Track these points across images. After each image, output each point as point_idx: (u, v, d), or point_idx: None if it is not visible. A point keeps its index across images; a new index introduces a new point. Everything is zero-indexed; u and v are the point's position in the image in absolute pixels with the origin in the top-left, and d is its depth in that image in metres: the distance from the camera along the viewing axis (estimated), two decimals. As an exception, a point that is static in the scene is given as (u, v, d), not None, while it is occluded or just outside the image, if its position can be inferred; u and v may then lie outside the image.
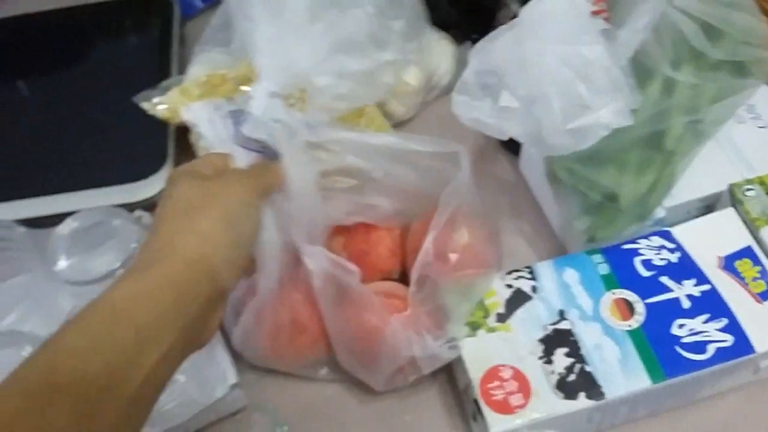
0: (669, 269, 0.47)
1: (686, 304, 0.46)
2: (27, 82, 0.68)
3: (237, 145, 0.47)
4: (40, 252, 0.50)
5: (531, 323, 0.46)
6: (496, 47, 0.43)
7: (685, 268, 0.47)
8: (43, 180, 0.58)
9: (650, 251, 0.48)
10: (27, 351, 0.47)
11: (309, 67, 0.49)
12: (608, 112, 0.41)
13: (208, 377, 0.48)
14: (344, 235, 0.51)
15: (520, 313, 0.46)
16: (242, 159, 0.47)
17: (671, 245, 0.48)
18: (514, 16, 0.47)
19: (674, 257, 0.48)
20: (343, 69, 0.51)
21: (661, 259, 0.48)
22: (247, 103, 0.48)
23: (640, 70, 0.49)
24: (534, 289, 0.47)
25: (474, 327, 0.46)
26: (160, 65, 0.66)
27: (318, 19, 0.49)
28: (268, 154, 0.47)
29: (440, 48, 0.64)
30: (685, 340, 0.44)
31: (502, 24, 0.66)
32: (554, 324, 0.46)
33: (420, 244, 0.48)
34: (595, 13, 0.53)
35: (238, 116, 0.48)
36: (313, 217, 0.48)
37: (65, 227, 0.51)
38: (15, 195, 0.57)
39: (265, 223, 0.45)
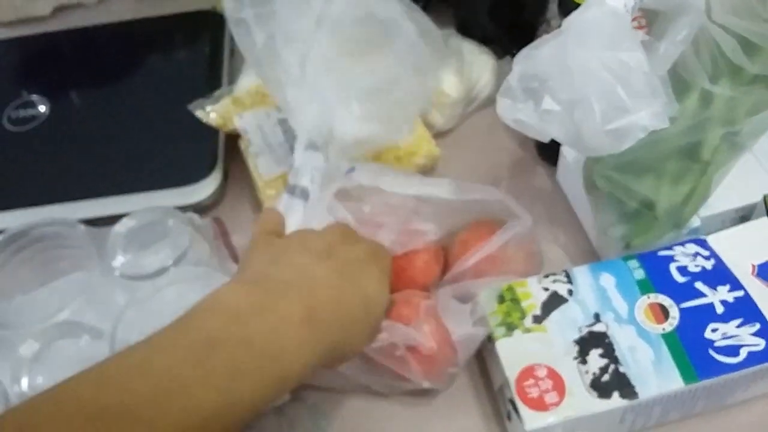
0: (703, 275, 0.48)
1: (720, 309, 0.46)
2: (88, 92, 0.71)
3: (285, 192, 0.51)
4: (99, 249, 0.53)
5: (566, 325, 0.47)
6: (540, 54, 0.45)
7: (720, 274, 0.48)
8: (103, 183, 0.61)
9: (685, 258, 0.49)
10: (85, 341, 0.50)
11: (337, 115, 0.51)
12: (646, 114, 0.42)
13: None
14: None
15: (555, 315, 0.48)
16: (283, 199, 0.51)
17: (706, 253, 0.49)
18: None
19: (709, 264, 0.49)
20: (370, 114, 0.52)
21: (696, 265, 0.49)
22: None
23: (679, 82, 0.51)
24: (570, 292, 0.49)
25: (510, 327, 0.48)
26: (211, 76, 0.69)
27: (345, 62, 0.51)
28: (304, 199, 0.51)
29: (481, 61, 0.66)
30: (718, 344, 0.45)
31: (541, 39, 0.68)
32: (589, 326, 0.47)
33: (466, 251, 0.50)
34: (635, 28, 0.54)
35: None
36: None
37: (122, 226, 0.54)
38: (77, 196, 0.60)
39: None
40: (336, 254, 0.43)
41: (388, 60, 0.51)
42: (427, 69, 0.53)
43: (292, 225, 0.49)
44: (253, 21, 0.50)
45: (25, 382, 0.48)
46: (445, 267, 0.54)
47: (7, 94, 0.70)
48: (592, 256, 0.56)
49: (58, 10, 0.83)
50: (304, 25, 0.49)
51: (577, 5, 0.53)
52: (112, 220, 0.55)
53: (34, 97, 0.69)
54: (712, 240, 0.50)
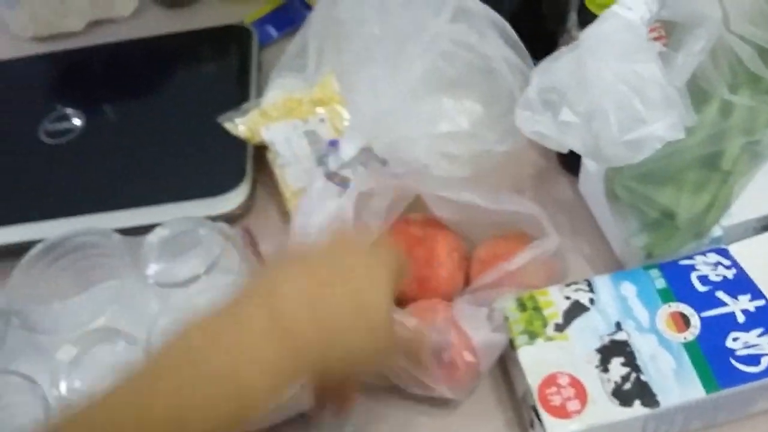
0: (725, 285, 0.49)
1: (741, 318, 0.47)
2: (121, 105, 0.73)
3: (323, 176, 0.51)
4: (133, 258, 0.55)
5: (588, 333, 0.48)
6: (558, 66, 0.46)
7: (741, 283, 0.49)
8: (136, 193, 0.63)
9: (706, 267, 0.50)
10: (120, 346, 0.51)
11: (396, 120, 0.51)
12: (662, 125, 0.43)
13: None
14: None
15: (577, 323, 0.49)
16: (320, 181, 0.51)
17: (727, 262, 0.50)
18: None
19: (730, 273, 0.49)
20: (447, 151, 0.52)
21: (717, 275, 0.49)
22: (337, 145, 0.51)
23: (698, 92, 0.51)
24: (591, 301, 0.49)
25: (532, 336, 0.48)
26: (239, 89, 0.71)
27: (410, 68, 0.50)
28: (344, 188, 0.51)
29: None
30: (739, 353, 0.45)
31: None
32: (611, 335, 0.48)
33: (484, 270, 0.51)
34: (654, 39, 0.55)
35: (328, 152, 0.52)
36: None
37: (155, 236, 0.55)
38: (111, 206, 0.62)
39: None
40: (321, 261, 0.40)
41: (478, 105, 0.51)
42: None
43: (324, 208, 0.50)
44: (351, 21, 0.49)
45: (63, 386, 0.49)
46: (468, 278, 0.55)
47: (44, 108, 0.72)
48: (614, 265, 0.57)
49: (91, 25, 0.86)
50: (407, 47, 0.48)
51: (595, 16, 0.54)
52: (145, 229, 0.57)
53: (69, 110, 0.72)
54: (733, 249, 0.51)
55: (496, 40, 0.49)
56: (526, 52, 0.53)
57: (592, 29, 0.46)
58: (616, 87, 0.42)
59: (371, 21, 0.48)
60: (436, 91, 0.49)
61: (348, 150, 0.49)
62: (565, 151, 0.46)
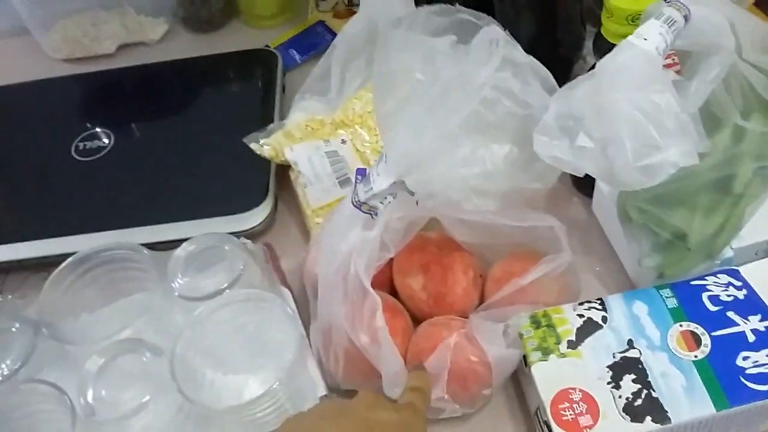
0: (735, 305, 0.50)
1: (751, 338, 0.48)
2: (150, 125, 0.76)
3: (351, 204, 0.53)
4: (161, 272, 0.57)
5: (600, 351, 0.49)
6: (575, 94, 0.48)
7: (752, 304, 0.49)
8: (163, 210, 0.66)
9: (717, 288, 0.51)
10: (147, 357, 0.53)
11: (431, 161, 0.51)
12: (676, 152, 0.44)
13: (299, 387, 0.53)
14: (423, 276, 0.56)
15: (590, 341, 0.50)
16: (348, 209, 0.53)
17: (738, 283, 0.51)
18: (591, 68, 0.52)
19: (741, 294, 0.50)
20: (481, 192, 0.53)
21: (728, 295, 0.50)
22: (365, 174, 0.53)
23: (711, 118, 0.52)
24: (604, 319, 0.51)
25: (546, 352, 0.50)
26: (264, 110, 0.73)
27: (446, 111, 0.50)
28: (372, 215, 0.53)
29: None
30: (749, 372, 0.46)
31: (578, 75, 0.71)
32: (623, 352, 0.49)
33: (499, 288, 0.53)
34: (668, 66, 0.57)
35: (356, 180, 0.53)
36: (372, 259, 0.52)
37: (183, 250, 0.57)
38: (138, 222, 0.65)
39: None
40: (354, 414, 0.42)
41: (514, 147, 0.52)
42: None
43: (350, 234, 0.52)
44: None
45: (90, 395, 0.51)
46: (482, 296, 0.56)
47: (76, 127, 0.75)
48: (626, 285, 0.58)
49: (122, 48, 0.89)
50: (451, 93, 0.49)
51: (610, 44, 0.56)
52: (172, 244, 0.59)
53: (100, 129, 0.75)
54: (744, 270, 0.52)
55: (537, 89, 0.51)
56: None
57: (609, 59, 0.47)
58: (631, 115, 0.44)
59: (418, 69, 0.50)
60: (474, 132, 0.51)
61: (381, 183, 0.50)
62: (581, 174, 0.47)
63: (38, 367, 0.55)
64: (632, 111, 0.44)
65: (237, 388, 0.53)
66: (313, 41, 0.84)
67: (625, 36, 0.49)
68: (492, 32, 0.50)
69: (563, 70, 0.72)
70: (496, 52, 0.49)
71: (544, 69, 0.53)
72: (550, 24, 0.68)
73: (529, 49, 0.59)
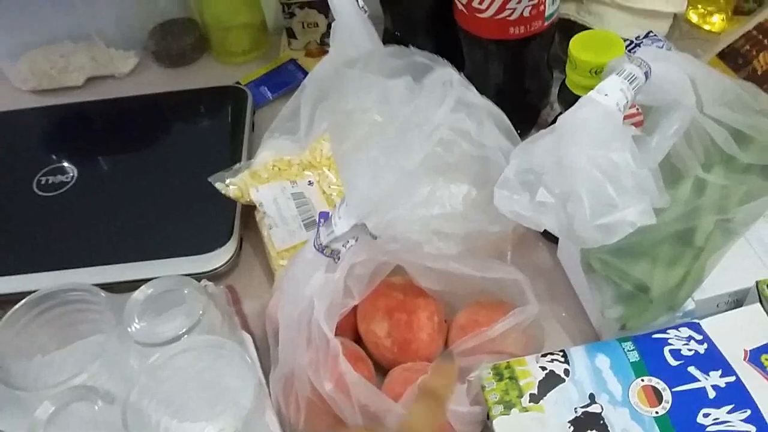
0: (696, 359, 0.49)
1: (712, 393, 0.48)
2: (112, 160, 0.75)
3: (313, 247, 0.52)
4: (118, 314, 0.56)
5: (563, 405, 0.49)
6: (536, 149, 0.48)
7: (712, 359, 0.49)
8: (124, 249, 0.64)
9: (679, 341, 0.51)
10: (99, 405, 0.52)
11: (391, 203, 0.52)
12: (634, 211, 0.44)
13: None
14: (388, 323, 0.55)
15: (552, 394, 0.49)
16: (310, 253, 0.53)
17: (699, 336, 0.51)
18: (554, 120, 0.52)
19: (702, 348, 0.50)
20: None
21: (689, 349, 0.50)
22: (328, 218, 0.52)
23: (672, 171, 0.53)
24: (566, 372, 0.50)
25: (508, 406, 0.49)
26: (231, 149, 0.73)
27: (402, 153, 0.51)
28: (334, 259, 0.52)
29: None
30: (709, 429, 0.46)
31: (546, 121, 0.71)
32: (585, 407, 0.48)
33: (463, 336, 0.52)
34: (630, 116, 0.57)
35: (319, 224, 0.53)
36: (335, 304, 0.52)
37: (141, 293, 0.56)
38: (98, 261, 0.63)
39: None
40: None
41: (472, 188, 0.52)
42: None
43: (312, 278, 0.51)
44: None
45: (39, 443, 0.50)
46: (447, 343, 0.56)
47: (40, 160, 0.74)
48: (591, 333, 0.58)
49: (91, 80, 0.88)
50: (408, 135, 0.49)
51: (575, 95, 0.57)
52: (132, 284, 0.58)
53: (65, 164, 0.74)
54: (705, 324, 0.52)
55: (492, 129, 0.51)
56: (519, 140, 0.55)
57: (569, 114, 0.47)
58: (590, 172, 0.44)
59: (374, 110, 0.50)
60: (432, 174, 0.51)
61: (342, 227, 0.50)
62: (540, 230, 0.47)
63: (-12, 412, 0.53)
64: (591, 169, 0.44)
65: (193, 437, 0.52)
66: (285, 79, 0.84)
67: (588, 88, 0.49)
68: (445, 74, 0.51)
69: (531, 116, 0.72)
70: (450, 92, 0.49)
71: (498, 110, 0.53)
72: (517, 71, 0.68)
73: (497, 95, 0.60)
